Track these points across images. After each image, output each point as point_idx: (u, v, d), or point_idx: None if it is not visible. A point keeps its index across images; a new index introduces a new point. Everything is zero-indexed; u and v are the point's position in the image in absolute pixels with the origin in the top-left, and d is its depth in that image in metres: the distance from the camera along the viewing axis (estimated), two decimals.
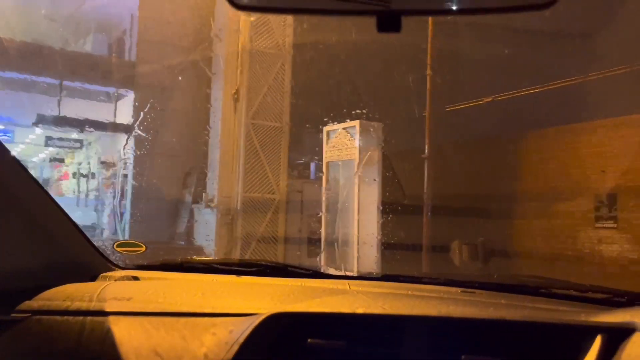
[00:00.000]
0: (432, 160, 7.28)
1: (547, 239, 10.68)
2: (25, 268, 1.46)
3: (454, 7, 0.77)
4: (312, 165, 14.07)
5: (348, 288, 1.46)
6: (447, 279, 1.51)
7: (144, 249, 2.05)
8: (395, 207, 8.56)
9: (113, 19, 12.67)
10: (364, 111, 8.70)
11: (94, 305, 1.30)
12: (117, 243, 1.96)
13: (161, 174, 11.11)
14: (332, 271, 1.66)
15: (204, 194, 10.21)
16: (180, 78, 11.06)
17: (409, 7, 0.74)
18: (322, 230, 9.21)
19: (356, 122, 8.55)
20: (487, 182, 10.68)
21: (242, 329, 1.08)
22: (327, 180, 9.17)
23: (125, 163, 13.08)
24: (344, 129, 8.78)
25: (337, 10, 0.79)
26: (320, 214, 9.38)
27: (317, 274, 1.69)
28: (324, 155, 9.11)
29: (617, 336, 0.88)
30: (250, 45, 9.42)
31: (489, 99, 8.70)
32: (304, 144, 12.36)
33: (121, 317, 1.24)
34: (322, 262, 9.07)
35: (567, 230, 10.42)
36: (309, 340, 1.05)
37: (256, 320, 1.09)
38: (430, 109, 7.23)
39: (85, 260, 1.64)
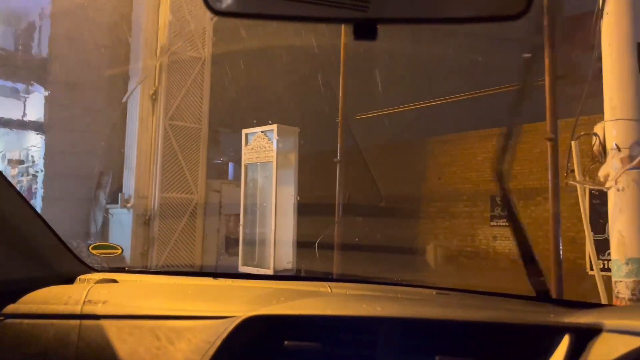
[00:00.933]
0: (343, 164, 7.78)
1: (449, 236, 11.61)
2: (3, 272, 1.46)
3: (429, 17, 0.79)
4: (231, 167, 14.26)
5: (326, 290, 1.46)
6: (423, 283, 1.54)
7: (120, 251, 2.08)
8: (310, 208, 8.99)
9: (23, 13, 12.13)
10: (282, 116, 9.07)
11: (68, 309, 1.31)
12: (92, 245, 1.96)
13: (74, 173, 10.84)
14: (309, 273, 1.70)
15: (119, 194, 10.11)
16: (95, 76, 10.85)
17: (385, 15, 0.75)
18: (241, 229, 9.46)
19: (274, 126, 8.90)
20: (396, 184, 11.44)
21: (218, 332, 1.09)
22: (246, 181, 9.45)
23: (34, 161, 12.58)
24: (262, 132, 9.10)
25: (315, 17, 0.79)
26: (239, 214, 9.64)
27: (294, 277, 1.77)
28: (243, 157, 9.37)
29: (584, 336, 0.89)
30: (169, 46, 9.49)
31: (397, 109, 9.36)
32: (224, 145, 12.53)
33: (95, 321, 1.24)
34: (240, 261, 9.32)
35: (466, 229, 11.41)
36: (285, 342, 1.05)
37: (232, 323, 1.09)
38: (342, 116, 7.73)
39: (60, 263, 1.64)
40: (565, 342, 0.89)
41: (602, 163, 3.64)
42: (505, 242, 10.83)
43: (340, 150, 7.93)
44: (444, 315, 1.08)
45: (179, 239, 9.79)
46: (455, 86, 10.66)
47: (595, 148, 3.64)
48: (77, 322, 1.24)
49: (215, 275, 1.65)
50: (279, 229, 8.90)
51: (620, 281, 3.42)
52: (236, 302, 1.27)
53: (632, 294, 3.34)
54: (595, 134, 3.60)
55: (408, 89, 10.61)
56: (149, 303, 1.30)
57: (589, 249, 3.69)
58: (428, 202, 12.08)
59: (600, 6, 3.68)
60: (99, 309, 1.28)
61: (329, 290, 1.46)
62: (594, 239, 9.26)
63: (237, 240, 9.86)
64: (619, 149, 3.52)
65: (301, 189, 9.02)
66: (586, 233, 3.68)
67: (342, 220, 7.86)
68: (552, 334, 0.91)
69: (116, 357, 1.14)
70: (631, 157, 3.47)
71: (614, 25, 3.61)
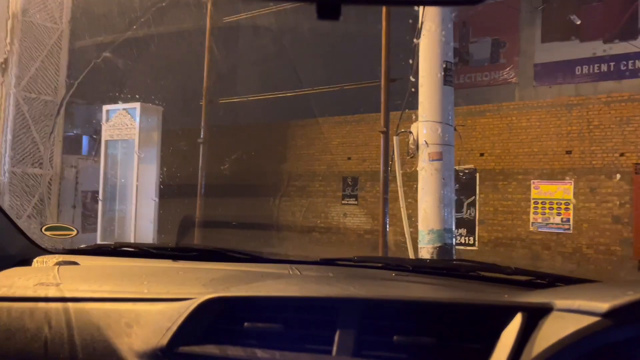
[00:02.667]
0: (207, 145, 8.15)
1: (305, 214, 12.57)
2: None
3: None
4: (86, 141, 13.72)
5: (287, 272, 1.45)
6: (383, 263, 1.55)
7: (75, 233, 2.03)
8: (173, 187, 9.24)
9: None
10: (146, 94, 9.12)
11: (22, 292, 1.28)
12: (45, 227, 1.91)
13: None
14: (271, 255, 1.71)
15: None
16: None
17: None
18: (100, 206, 9.39)
19: (137, 104, 8.93)
20: (258, 164, 12.08)
21: (178, 314, 1.08)
22: (106, 158, 9.36)
23: None
24: (124, 109, 9.08)
25: None
26: (97, 190, 9.53)
27: (256, 259, 1.67)
28: (103, 133, 9.26)
29: (536, 315, 0.90)
30: (23, 14, 8.96)
31: (260, 96, 9.89)
32: (82, 120, 12.07)
33: (51, 304, 1.20)
34: (98, 238, 9.27)
35: (321, 207, 12.44)
36: (245, 324, 1.04)
37: (192, 305, 1.08)
38: (206, 98, 8.07)
39: (12, 245, 1.60)
40: (517, 321, 0.90)
41: (415, 155, 4.57)
42: (354, 219, 12.03)
43: (203, 131, 8.28)
44: (402, 295, 1.09)
45: (31, 215, 9.42)
46: (318, 75, 11.50)
47: (411, 143, 4.56)
48: (32, 304, 1.22)
49: (176, 257, 1.64)
50: (140, 207, 9.01)
51: (424, 247, 4.40)
52: (196, 284, 1.26)
53: (431, 257, 4.34)
54: (411, 132, 4.51)
55: (274, 76, 11.20)
56: (107, 286, 1.29)
57: (404, 222, 4.61)
58: (288, 182, 12.89)
59: (420, 27, 4.57)
60: (55, 292, 1.26)
61: (290, 272, 1.45)
62: (456, 216, 10.56)
63: (94, 217, 9.75)
64: (427, 144, 4.47)
65: (166, 167, 9.21)
66: (402, 210, 4.60)
67: (206, 199, 8.26)
68: (506, 313, 0.93)
69: (73, 340, 1.11)
70: (435, 152, 4.44)
71: (428, 45, 4.53)
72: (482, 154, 10.69)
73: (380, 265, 1.55)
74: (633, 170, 9.32)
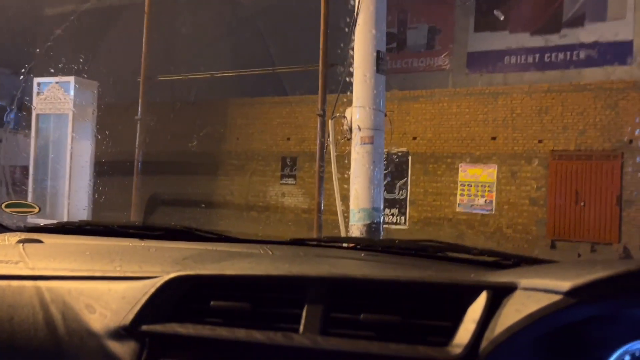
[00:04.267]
0: (144, 122, 8.09)
1: (244, 193, 12.68)
2: None
3: None
4: (13, 115, 13.11)
5: (257, 252, 1.46)
6: (353, 243, 1.58)
7: (37, 210, 1.98)
8: (107, 163, 9.10)
9: None
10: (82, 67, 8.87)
11: None
12: (5, 203, 1.86)
13: None
14: (241, 235, 1.67)
15: None
16: None
17: None
18: (30, 181, 9.12)
19: (71, 78, 8.69)
20: (197, 143, 12.03)
21: (142, 293, 1.08)
22: (37, 132, 9.08)
23: None
24: (57, 82, 8.81)
25: None
26: (27, 165, 9.24)
27: (225, 238, 1.64)
28: (34, 107, 8.96)
29: (500, 294, 0.93)
30: None
31: (199, 74, 9.82)
32: (8, 91, 11.53)
33: (11, 282, 1.18)
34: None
35: (260, 186, 12.60)
36: (212, 302, 1.04)
37: (157, 283, 1.08)
38: (144, 75, 7.98)
39: None
40: (482, 299, 0.93)
41: (349, 138, 4.84)
42: (292, 199, 12.27)
43: (140, 108, 8.19)
44: (370, 274, 1.09)
45: None
46: (262, 54, 11.53)
47: (345, 127, 4.82)
48: None
49: (143, 236, 1.62)
50: (73, 183, 8.84)
51: (354, 225, 4.70)
52: (163, 263, 1.25)
53: (360, 234, 4.65)
54: (344, 116, 4.77)
55: (216, 54, 11.13)
56: (73, 264, 1.27)
57: (337, 202, 4.89)
58: (227, 161, 12.93)
59: (356, 16, 4.80)
60: (20, 270, 1.23)
61: (261, 252, 1.46)
62: (388, 198, 10.90)
63: (23, 192, 9.46)
64: (359, 128, 4.75)
65: (103, 143, 9.05)
66: (335, 189, 4.87)
67: (143, 177, 8.21)
68: (472, 292, 0.95)
69: (37, 319, 1.10)
70: (366, 136, 4.73)
71: (362, 34, 4.77)
72: (414, 138, 11.19)
73: (350, 245, 1.57)
74: (549, 156, 10.11)
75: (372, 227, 4.57)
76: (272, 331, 0.97)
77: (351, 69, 4.82)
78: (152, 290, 1.07)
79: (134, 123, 8.28)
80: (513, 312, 0.87)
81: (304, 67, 7.22)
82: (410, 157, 11.23)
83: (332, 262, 1.35)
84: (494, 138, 10.55)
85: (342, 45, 5.09)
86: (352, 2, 4.85)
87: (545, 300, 0.84)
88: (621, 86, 9.77)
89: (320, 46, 5.71)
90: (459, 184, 10.75)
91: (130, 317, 1.04)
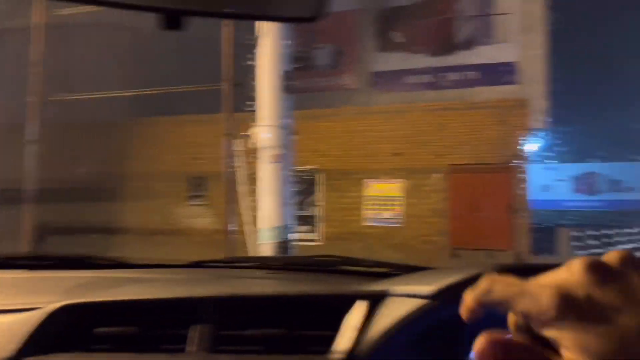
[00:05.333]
0: (38, 145, 7.53)
1: (149, 216, 12.14)
2: None
3: (230, 11, 0.82)
4: None
5: (152, 276, 1.44)
6: (255, 263, 1.62)
7: None
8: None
9: None
10: None
11: None
12: None
13: None
14: (139, 261, 1.62)
15: None
16: None
17: (190, 7, 0.75)
18: None
19: None
20: (97, 165, 11.39)
21: (27, 324, 1.04)
22: None
23: None
24: None
25: (126, 4, 0.79)
26: None
27: (121, 264, 1.60)
28: None
29: (374, 301, 0.98)
30: None
31: (94, 94, 9.36)
32: None
33: None
34: None
35: (166, 208, 12.14)
36: (95, 329, 1.03)
37: (42, 314, 1.05)
38: (41, 96, 7.45)
39: None
40: (359, 307, 0.98)
41: (256, 157, 4.81)
42: (201, 220, 11.94)
43: (32, 130, 7.63)
44: (261, 291, 1.13)
45: None
46: (162, 74, 11.17)
47: (252, 145, 4.79)
48: None
49: (32, 266, 1.54)
50: None
51: (265, 244, 4.66)
52: (52, 292, 1.22)
53: (271, 252, 4.61)
54: (252, 136, 4.74)
55: (114, 74, 10.64)
56: None
57: (246, 221, 4.82)
58: (129, 184, 12.35)
59: (257, 36, 4.81)
60: None
61: (156, 276, 1.45)
62: (300, 215, 10.88)
63: None
64: (267, 147, 4.73)
65: None
66: (244, 208, 4.81)
67: (38, 205, 7.62)
68: (350, 302, 1.00)
69: None
70: (274, 154, 4.72)
71: (267, 53, 4.79)
72: (323, 155, 11.37)
73: (251, 265, 1.61)
74: (449, 170, 10.70)
75: (283, 246, 4.55)
76: (159, 353, 0.99)
77: (258, 88, 4.81)
78: (36, 321, 1.05)
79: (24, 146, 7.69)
80: (384, 318, 0.93)
81: (209, 86, 7.11)
82: (319, 175, 11.38)
83: (228, 283, 1.36)
84: (397, 154, 10.99)
85: (248, 62, 5.08)
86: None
87: (412, 304, 0.91)
88: (509, 104, 10.61)
89: (224, 64, 5.66)
90: (367, 198, 11.04)
91: (14, 350, 1.02)
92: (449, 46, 12.61)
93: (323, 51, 13.68)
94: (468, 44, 12.49)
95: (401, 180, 10.89)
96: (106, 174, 11.86)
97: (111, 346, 1.02)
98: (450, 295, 0.89)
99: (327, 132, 11.38)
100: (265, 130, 4.68)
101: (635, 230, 16.80)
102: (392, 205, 10.90)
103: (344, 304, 1.01)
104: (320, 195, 11.31)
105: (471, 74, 12.29)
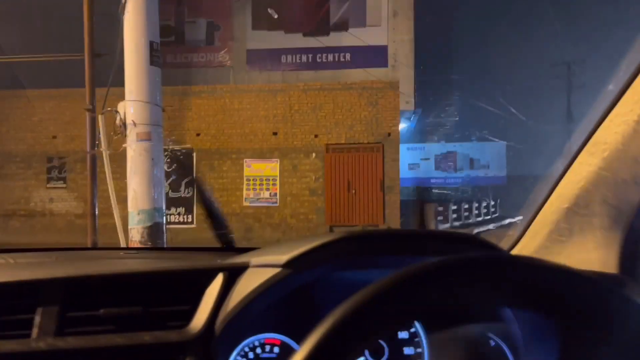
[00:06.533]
0: None
1: (2, 199, 10.90)
2: None
3: None
4: None
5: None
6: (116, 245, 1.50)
7: None
8: None
9: None
10: None
11: None
12: None
13: None
14: None
15: None
16: None
17: None
18: None
19: None
20: None
21: None
22: None
23: None
24: None
25: None
26: None
27: None
28: None
29: (235, 273, 1.00)
30: None
31: None
32: None
33: None
34: None
35: (21, 192, 10.96)
36: None
37: None
38: None
39: None
40: (217, 280, 1.00)
41: (123, 135, 4.45)
42: (63, 204, 10.99)
43: None
44: (105, 270, 1.07)
45: None
46: (19, 42, 9.94)
47: (117, 122, 4.41)
48: None
49: None
50: None
51: (134, 228, 4.36)
52: None
53: (142, 237, 4.33)
54: (117, 111, 4.37)
55: None
56: None
57: (113, 204, 4.46)
58: None
59: (123, 4, 4.42)
60: None
61: (1, 261, 1.36)
62: (176, 197, 10.36)
63: None
64: (135, 124, 4.40)
65: None
66: (110, 190, 4.45)
67: None
68: (210, 275, 1.01)
69: None
70: (143, 132, 4.41)
71: (133, 24, 4.42)
72: (198, 134, 10.99)
73: (111, 247, 1.52)
74: (324, 150, 10.92)
75: (154, 229, 4.29)
76: (3, 340, 0.94)
77: (125, 61, 4.43)
78: None
79: None
80: (243, 288, 0.96)
81: (67, 56, 6.46)
82: (195, 154, 10.99)
83: (78, 264, 1.29)
84: (275, 133, 10.96)
85: (112, 33, 4.66)
86: None
87: (268, 273, 0.94)
88: (380, 86, 11.05)
89: (85, 33, 5.15)
90: (245, 178, 10.91)
91: None
92: (324, 27, 12.77)
93: (196, 26, 13.13)
94: (342, 26, 12.75)
95: (279, 160, 10.90)
96: None
97: None
98: (304, 262, 0.93)
99: (203, 110, 11.00)
100: (132, 105, 4.34)
101: (492, 203, 18.65)
102: (270, 184, 10.90)
103: (205, 278, 1.01)
104: (196, 175, 10.94)
105: (346, 56, 12.58)
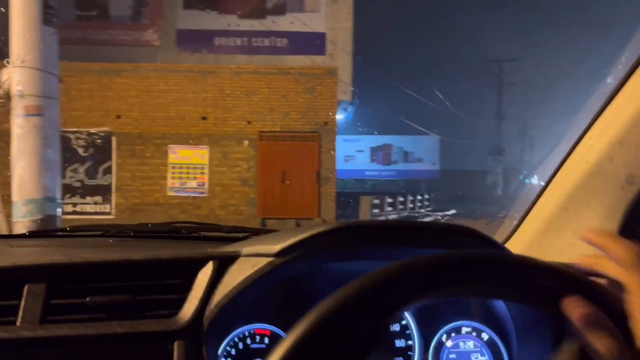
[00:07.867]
0: None
1: None
2: None
3: None
4: None
5: None
6: (102, 231, 1.49)
7: None
8: None
9: None
10: None
11: None
12: None
13: None
14: None
15: None
16: None
17: None
18: None
19: None
20: None
21: None
22: None
23: None
24: None
25: None
26: None
27: None
28: None
29: (226, 262, 1.00)
30: None
31: None
32: None
33: None
34: None
35: None
36: None
37: None
38: None
39: None
40: (208, 269, 1.00)
41: (7, 107, 3.71)
42: None
43: None
44: (93, 257, 1.05)
45: None
46: None
47: (0, 92, 3.67)
48: None
49: None
50: None
51: (20, 222, 3.63)
52: None
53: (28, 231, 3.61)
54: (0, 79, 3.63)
55: None
56: None
57: None
58: None
59: None
60: None
61: None
62: (90, 184, 9.45)
63: None
64: (22, 95, 3.66)
65: None
66: None
67: None
68: (200, 264, 1.01)
69: None
70: (34, 105, 3.68)
71: None
72: (118, 116, 10.06)
73: (98, 233, 1.49)
74: (258, 137, 10.32)
75: (45, 223, 3.59)
76: None
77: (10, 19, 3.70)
78: None
79: None
80: (234, 278, 0.96)
81: None
82: (114, 138, 10.06)
83: (66, 251, 1.20)
84: (204, 118, 10.24)
85: None
86: None
87: (260, 263, 0.94)
88: (318, 72, 10.57)
89: None
90: (170, 166, 10.13)
91: None
92: (260, 10, 12.18)
93: (121, 1, 12.14)
94: (279, 10, 12.20)
95: (208, 146, 10.19)
96: None
97: None
98: (296, 252, 0.94)
99: (123, 91, 10.07)
100: (20, 72, 3.60)
101: (426, 196, 18.81)
102: (198, 173, 10.17)
103: (196, 267, 1.02)
104: (115, 162, 10.03)
105: (283, 41, 12.04)
